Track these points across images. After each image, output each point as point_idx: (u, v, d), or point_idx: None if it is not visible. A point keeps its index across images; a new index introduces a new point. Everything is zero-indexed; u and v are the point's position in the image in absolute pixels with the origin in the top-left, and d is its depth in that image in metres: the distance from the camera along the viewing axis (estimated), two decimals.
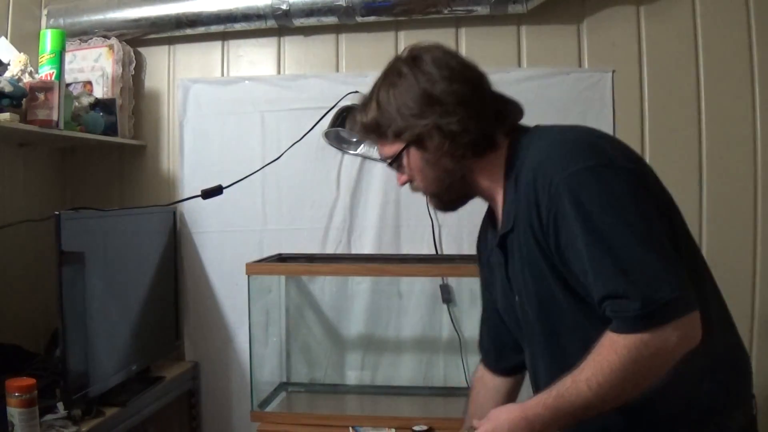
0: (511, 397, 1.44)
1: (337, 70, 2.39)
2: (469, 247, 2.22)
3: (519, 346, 1.34)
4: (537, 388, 1.25)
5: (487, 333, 1.45)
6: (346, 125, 1.30)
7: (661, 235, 1.04)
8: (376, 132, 1.23)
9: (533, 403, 1.07)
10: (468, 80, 1.21)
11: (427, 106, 1.16)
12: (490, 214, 1.33)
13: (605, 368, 1.01)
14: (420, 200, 2.25)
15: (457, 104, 1.16)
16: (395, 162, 1.24)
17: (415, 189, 1.28)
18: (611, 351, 1.01)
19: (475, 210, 2.28)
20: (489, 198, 1.27)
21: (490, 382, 1.45)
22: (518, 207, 1.15)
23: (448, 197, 1.27)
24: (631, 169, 1.10)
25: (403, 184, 1.28)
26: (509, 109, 1.26)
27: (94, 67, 2.37)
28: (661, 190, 1.16)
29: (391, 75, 1.22)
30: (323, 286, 2.36)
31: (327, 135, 2.26)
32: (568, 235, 1.05)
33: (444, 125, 1.16)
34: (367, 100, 1.25)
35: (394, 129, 1.20)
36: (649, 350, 0.99)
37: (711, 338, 1.06)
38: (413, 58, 1.21)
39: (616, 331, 1.01)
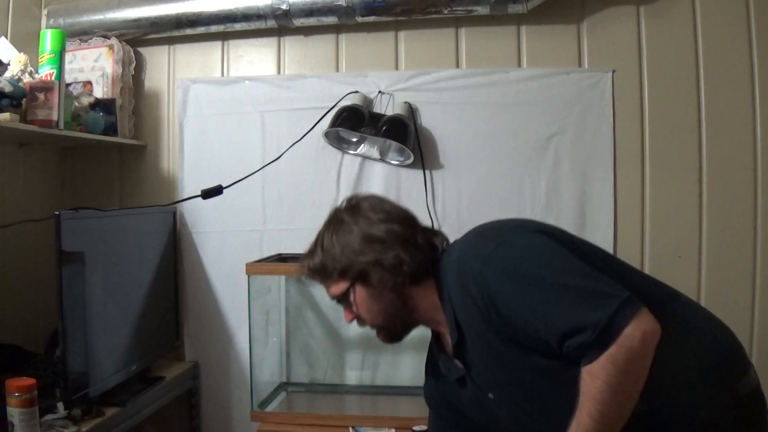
0: None
1: (337, 70, 2.38)
2: None
3: None
4: None
5: None
6: (296, 273, 1.40)
7: (581, 265, 1.16)
8: (322, 274, 1.35)
9: None
10: (402, 219, 1.34)
11: (368, 244, 1.29)
12: (436, 341, 1.44)
13: (596, 396, 1.09)
14: (420, 199, 2.26)
15: (394, 240, 1.30)
16: (343, 299, 1.35)
17: (362, 325, 1.39)
18: (593, 380, 1.09)
19: (474, 213, 2.29)
20: (432, 321, 1.37)
21: None
22: (458, 314, 1.26)
23: (393, 327, 1.37)
24: (531, 232, 1.25)
25: (351, 321, 1.39)
26: (439, 239, 1.38)
27: (94, 67, 2.37)
28: (571, 240, 1.28)
29: (333, 223, 1.35)
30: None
31: (327, 135, 2.26)
32: (506, 306, 1.16)
33: (384, 260, 1.28)
34: (312, 248, 1.37)
35: (339, 269, 1.32)
36: (622, 360, 1.07)
37: (695, 332, 1.22)
38: (352, 207, 1.35)
39: (587, 364, 1.09)
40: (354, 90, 2.29)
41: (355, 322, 1.39)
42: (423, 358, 2.36)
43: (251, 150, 2.37)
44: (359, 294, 1.33)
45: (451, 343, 1.32)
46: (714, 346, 1.25)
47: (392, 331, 1.38)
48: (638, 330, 1.06)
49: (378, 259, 1.28)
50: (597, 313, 1.07)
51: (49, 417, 1.71)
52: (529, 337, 1.17)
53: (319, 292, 2.35)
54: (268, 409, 2.14)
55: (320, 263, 1.34)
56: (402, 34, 2.34)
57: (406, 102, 2.27)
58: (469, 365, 1.32)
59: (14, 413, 1.56)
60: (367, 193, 1.42)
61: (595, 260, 1.22)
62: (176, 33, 2.39)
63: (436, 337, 1.44)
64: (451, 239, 2.34)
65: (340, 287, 1.34)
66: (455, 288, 1.25)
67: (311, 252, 1.37)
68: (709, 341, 1.25)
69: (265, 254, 2.33)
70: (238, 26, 2.33)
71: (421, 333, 2.35)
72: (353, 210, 1.35)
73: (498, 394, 1.30)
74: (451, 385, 1.41)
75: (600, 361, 1.07)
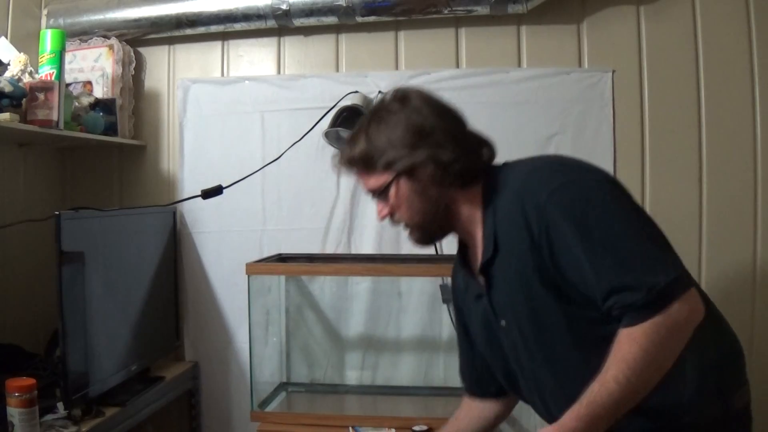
0: (499, 419, 1.51)
1: (337, 70, 2.39)
2: None
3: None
4: (544, 405, 1.29)
5: (465, 362, 1.51)
6: (332, 162, 1.35)
7: (648, 224, 1.12)
8: (364, 164, 1.27)
9: (567, 419, 1.10)
10: (454, 117, 1.28)
11: (420, 138, 1.22)
12: (462, 254, 1.39)
13: (629, 361, 1.05)
14: None
15: (446, 137, 1.23)
16: (381, 193, 1.28)
17: (396, 222, 1.32)
18: (630, 343, 1.05)
19: None
20: (466, 231, 1.32)
21: (479, 404, 1.51)
22: (500, 233, 1.21)
23: (429, 228, 1.30)
24: (603, 177, 1.20)
25: (384, 217, 1.32)
26: (488, 146, 1.31)
27: (94, 67, 2.37)
28: (636, 202, 1.23)
29: (380, 111, 1.27)
30: (323, 286, 2.36)
31: (327, 135, 2.26)
32: (562, 243, 1.12)
33: (436, 156, 1.22)
34: (355, 135, 1.29)
35: (384, 160, 1.24)
36: (665, 330, 1.04)
37: (707, 329, 1.14)
38: (401, 97, 1.27)
39: (629, 325, 1.06)
40: (354, 90, 2.29)
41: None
42: (423, 358, 2.37)
43: (251, 150, 2.37)
44: (402, 189, 1.25)
45: (480, 259, 1.26)
46: (720, 348, 1.22)
47: (427, 233, 1.31)
48: (687, 306, 1.05)
49: (429, 154, 1.21)
50: (654, 278, 1.04)
51: (49, 417, 1.71)
52: (571, 282, 1.13)
53: (319, 292, 2.36)
54: (268, 409, 2.14)
55: (364, 153, 1.26)
56: (402, 34, 2.34)
57: None
58: (491, 285, 1.26)
59: (14, 413, 1.56)
60: (415, 87, 1.30)
61: (654, 227, 1.19)
62: (176, 33, 2.39)
63: (462, 251, 1.38)
64: (451, 244, 2.35)
65: (381, 180, 1.26)
66: (508, 206, 1.19)
67: (353, 140, 1.28)
68: (716, 341, 1.21)
69: (265, 254, 2.33)
70: (238, 26, 2.33)
71: (421, 336, 2.35)
72: (403, 100, 1.26)
73: (511, 324, 1.25)
74: (468, 301, 1.36)
75: (643, 326, 1.04)
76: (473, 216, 1.27)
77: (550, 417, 1.25)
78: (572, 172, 1.19)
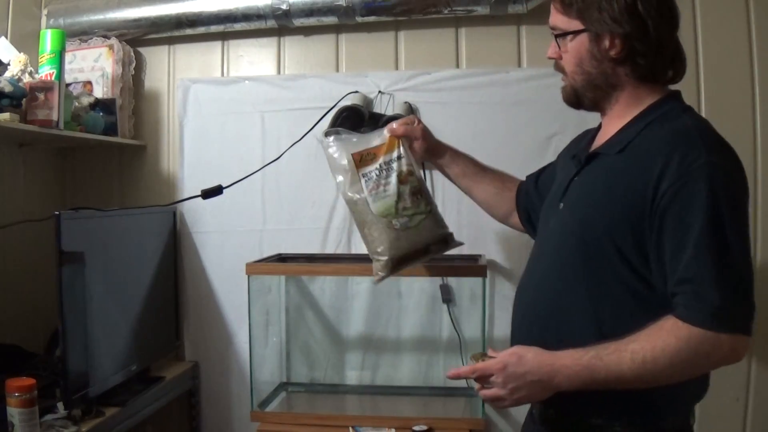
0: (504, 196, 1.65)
1: (337, 70, 2.39)
2: (469, 247, 2.23)
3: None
4: (519, 297, 1.31)
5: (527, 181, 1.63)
6: None
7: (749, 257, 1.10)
8: (565, 2, 1.23)
9: (564, 355, 1.09)
10: (671, 20, 1.22)
11: (630, 16, 1.17)
12: (597, 130, 1.38)
13: (657, 348, 1.03)
14: None
15: (654, 31, 1.18)
16: (561, 37, 1.25)
17: (558, 69, 1.31)
18: (670, 334, 1.03)
19: (474, 213, 2.29)
20: (607, 117, 1.30)
21: (507, 187, 1.66)
22: (630, 147, 1.17)
23: (583, 94, 1.29)
24: (748, 192, 1.17)
25: (551, 57, 1.31)
26: (681, 65, 1.26)
27: (94, 67, 2.37)
28: None
29: None
30: (323, 286, 2.36)
31: (327, 135, 2.26)
32: (682, 211, 1.07)
33: (632, 41, 1.18)
34: None
35: (585, 11, 1.20)
36: (704, 349, 1.02)
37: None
38: None
39: (682, 319, 1.04)
40: (354, 90, 2.29)
41: None
42: (423, 358, 2.37)
43: (251, 150, 2.37)
44: (581, 44, 1.22)
45: (596, 146, 1.26)
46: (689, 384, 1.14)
47: (577, 96, 1.30)
48: (733, 345, 1.03)
49: (628, 34, 1.17)
50: (737, 301, 1.03)
51: (49, 417, 1.71)
52: (655, 246, 1.09)
53: (320, 292, 2.36)
54: (268, 409, 2.14)
55: None
56: (402, 34, 2.34)
57: (406, 102, 2.27)
58: (582, 172, 1.26)
59: (14, 413, 1.56)
60: None
61: None
62: (176, 33, 2.39)
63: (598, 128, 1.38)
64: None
65: (569, 24, 1.23)
66: (656, 137, 1.14)
67: None
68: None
69: (265, 254, 2.33)
70: (238, 26, 2.33)
71: (421, 336, 2.35)
72: None
73: (564, 213, 1.24)
74: (568, 160, 1.36)
75: (691, 329, 1.02)
76: (624, 112, 1.24)
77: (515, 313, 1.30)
78: (738, 164, 1.16)
